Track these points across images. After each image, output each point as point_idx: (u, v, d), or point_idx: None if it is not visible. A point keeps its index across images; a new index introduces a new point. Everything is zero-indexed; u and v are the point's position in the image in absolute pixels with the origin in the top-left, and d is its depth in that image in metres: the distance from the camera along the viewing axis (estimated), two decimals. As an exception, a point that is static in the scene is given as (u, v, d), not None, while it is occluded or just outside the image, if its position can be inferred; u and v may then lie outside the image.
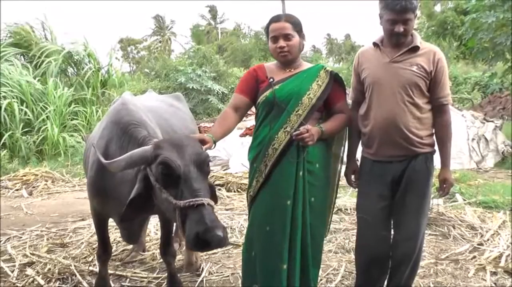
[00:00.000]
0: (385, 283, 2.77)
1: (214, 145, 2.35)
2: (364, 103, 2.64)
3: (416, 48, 2.50)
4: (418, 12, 2.57)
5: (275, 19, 2.54)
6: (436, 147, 2.61)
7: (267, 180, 2.50)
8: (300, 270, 2.51)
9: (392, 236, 2.70)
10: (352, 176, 2.76)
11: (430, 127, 2.57)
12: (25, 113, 9.69)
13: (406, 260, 2.62)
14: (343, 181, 7.05)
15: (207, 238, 1.91)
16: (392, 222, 2.69)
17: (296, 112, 2.46)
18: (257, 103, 2.57)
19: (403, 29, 2.42)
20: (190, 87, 14.46)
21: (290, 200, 2.45)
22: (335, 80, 2.57)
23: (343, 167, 2.84)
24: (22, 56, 11.94)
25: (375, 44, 2.61)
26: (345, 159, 2.83)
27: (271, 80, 2.51)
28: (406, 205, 2.57)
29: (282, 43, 2.48)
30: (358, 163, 2.78)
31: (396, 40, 2.48)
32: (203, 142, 2.26)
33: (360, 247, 2.78)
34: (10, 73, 9.98)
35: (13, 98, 9.57)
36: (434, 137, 2.61)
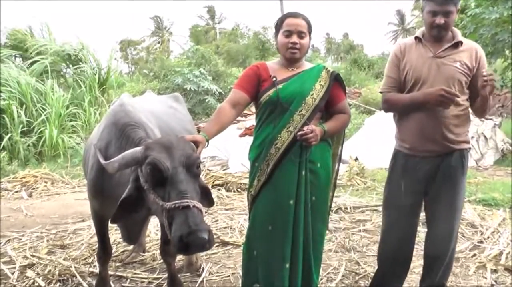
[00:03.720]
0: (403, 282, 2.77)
1: (207, 143, 2.33)
2: None
3: (458, 44, 2.50)
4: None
5: (293, 14, 2.54)
6: (471, 144, 2.62)
7: (269, 179, 2.49)
8: (302, 269, 2.51)
9: (426, 234, 2.70)
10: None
11: (466, 124, 2.58)
12: (25, 114, 9.69)
13: (441, 258, 2.60)
14: (343, 181, 7.04)
15: (190, 241, 1.89)
16: (426, 219, 2.69)
17: (300, 112, 2.46)
18: (259, 102, 2.56)
19: (443, 21, 2.42)
20: (188, 88, 14.46)
21: (293, 199, 2.45)
22: (336, 80, 2.57)
23: (341, 166, 2.83)
24: (19, 58, 11.96)
25: (417, 38, 2.59)
26: (343, 157, 2.82)
27: (274, 79, 2.50)
28: (441, 202, 2.56)
29: (295, 39, 2.48)
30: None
31: (437, 32, 2.47)
32: (196, 142, 2.24)
33: (385, 243, 2.77)
34: (10, 74, 9.97)
35: (12, 99, 9.57)
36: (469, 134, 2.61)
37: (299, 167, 2.45)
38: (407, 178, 2.60)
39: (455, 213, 2.58)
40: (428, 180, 2.57)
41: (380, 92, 2.73)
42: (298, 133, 2.38)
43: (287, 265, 2.47)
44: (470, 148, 2.63)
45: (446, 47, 2.50)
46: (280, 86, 2.49)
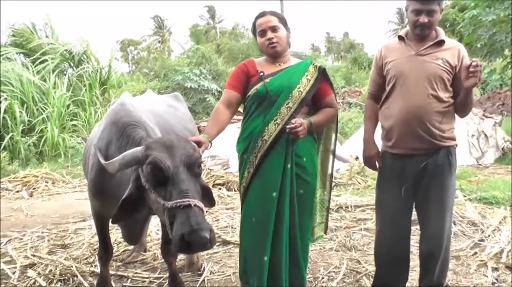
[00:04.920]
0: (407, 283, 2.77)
1: (210, 145, 2.38)
2: (386, 96, 2.64)
3: (441, 42, 2.52)
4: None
5: (260, 15, 2.62)
6: (457, 141, 2.62)
7: (256, 171, 2.52)
8: (290, 262, 2.53)
9: (420, 233, 2.70)
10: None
11: (451, 121, 2.57)
12: (26, 114, 9.70)
13: (435, 256, 2.60)
14: (343, 179, 7.01)
15: (191, 240, 1.89)
16: (417, 218, 2.69)
17: (287, 104, 2.50)
18: (247, 96, 2.60)
19: (427, 20, 2.44)
20: (188, 87, 14.48)
21: (276, 191, 2.47)
22: (323, 75, 2.61)
23: (336, 162, 2.83)
24: (23, 56, 11.96)
25: (400, 37, 2.63)
26: (337, 153, 2.83)
27: (262, 73, 2.55)
28: (430, 200, 2.57)
29: (270, 34, 2.54)
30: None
31: (421, 31, 2.49)
32: (199, 143, 2.27)
33: (380, 244, 2.77)
34: (13, 71, 9.96)
35: (14, 99, 9.57)
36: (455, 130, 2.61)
37: (285, 159, 2.48)
38: (396, 178, 2.60)
39: (445, 211, 2.58)
40: (416, 179, 2.57)
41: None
42: (288, 126, 2.40)
43: (266, 258, 2.48)
44: (456, 145, 2.62)
45: (428, 45, 2.52)
46: (267, 80, 2.53)
